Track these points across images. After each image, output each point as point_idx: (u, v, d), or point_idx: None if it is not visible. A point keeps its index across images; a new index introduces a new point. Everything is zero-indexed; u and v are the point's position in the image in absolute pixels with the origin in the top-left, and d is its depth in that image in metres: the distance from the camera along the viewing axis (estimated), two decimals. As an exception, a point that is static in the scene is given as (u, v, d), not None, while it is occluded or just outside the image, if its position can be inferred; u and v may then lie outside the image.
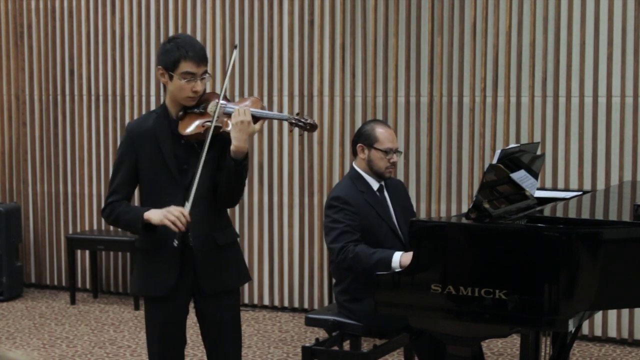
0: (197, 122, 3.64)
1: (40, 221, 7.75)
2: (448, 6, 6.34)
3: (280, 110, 6.76)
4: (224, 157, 3.65)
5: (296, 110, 6.78)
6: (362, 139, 4.53)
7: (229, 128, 3.60)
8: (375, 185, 4.53)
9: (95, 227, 7.56)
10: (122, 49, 7.37)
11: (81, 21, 7.48)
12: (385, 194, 4.58)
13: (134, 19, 7.31)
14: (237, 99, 6.51)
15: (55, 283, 7.74)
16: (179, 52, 3.61)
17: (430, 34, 6.39)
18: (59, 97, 7.61)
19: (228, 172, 3.61)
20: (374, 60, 6.56)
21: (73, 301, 7.21)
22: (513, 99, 6.21)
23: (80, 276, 7.59)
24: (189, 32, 7.10)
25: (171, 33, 7.16)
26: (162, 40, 7.19)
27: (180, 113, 3.68)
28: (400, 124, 6.50)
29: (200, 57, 3.63)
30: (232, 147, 3.57)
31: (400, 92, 6.52)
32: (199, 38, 7.06)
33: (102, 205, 3.79)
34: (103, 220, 7.46)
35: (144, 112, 7.30)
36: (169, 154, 3.65)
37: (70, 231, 7.60)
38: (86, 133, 7.53)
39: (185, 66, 3.61)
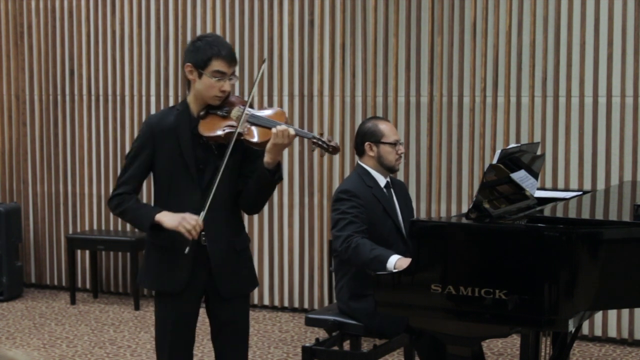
0: (218, 125, 3.62)
1: (40, 221, 7.75)
2: (448, 6, 6.34)
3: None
4: (247, 164, 3.66)
5: (296, 110, 6.78)
6: (368, 136, 4.56)
7: (255, 139, 3.57)
8: (382, 181, 4.57)
9: (95, 227, 7.56)
10: (122, 49, 7.37)
11: (81, 21, 7.48)
12: (392, 190, 4.62)
13: (134, 19, 7.31)
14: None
15: (55, 283, 7.74)
16: (212, 51, 3.60)
17: (430, 34, 6.39)
18: (59, 97, 7.61)
19: (260, 182, 3.61)
20: (374, 60, 6.56)
21: (73, 301, 7.21)
22: (513, 99, 6.21)
23: (80, 276, 7.59)
24: (189, 32, 7.10)
25: (171, 33, 7.17)
26: (162, 40, 7.20)
27: (202, 112, 3.67)
28: (400, 124, 6.50)
29: (231, 57, 3.63)
30: (266, 160, 3.56)
31: (400, 92, 6.52)
32: (199, 38, 7.06)
33: (110, 194, 3.76)
34: (103, 220, 7.49)
35: (144, 112, 7.31)
36: (188, 152, 3.64)
37: (70, 231, 7.60)
38: (86, 133, 7.53)
39: (217, 65, 3.60)
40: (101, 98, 7.47)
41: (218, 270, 3.67)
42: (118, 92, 7.41)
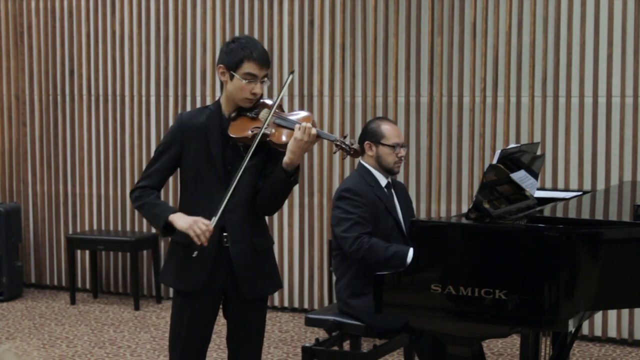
0: (246, 126, 3.63)
1: (40, 221, 7.75)
2: (448, 6, 6.34)
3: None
4: (268, 165, 3.66)
5: (296, 108, 6.78)
6: (369, 136, 4.60)
7: (279, 140, 3.58)
8: (383, 181, 4.61)
9: (95, 227, 7.56)
10: (122, 49, 7.37)
11: (81, 21, 7.48)
12: (393, 190, 4.65)
13: (134, 19, 7.31)
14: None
15: (55, 283, 7.74)
16: (244, 52, 3.60)
17: (430, 34, 6.39)
18: (59, 97, 7.61)
19: (276, 182, 3.60)
20: (374, 60, 6.56)
21: (73, 301, 7.21)
22: (513, 99, 6.21)
23: (80, 276, 7.59)
24: (189, 32, 7.10)
25: (171, 33, 7.17)
26: (162, 40, 7.19)
27: (234, 114, 3.67)
28: (400, 124, 6.49)
29: (263, 60, 3.62)
30: (286, 160, 3.55)
31: (400, 92, 6.52)
32: (198, 38, 7.07)
33: (132, 187, 3.76)
34: (103, 220, 7.49)
35: (143, 112, 7.32)
36: (216, 152, 3.64)
37: (70, 231, 7.60)
38: (86, 133, 7.53)
39: (248, 67, 3.60)
40: (101, 98, 7.47)
41: (241, 271, 3.65)
42: (118, 92, 7.41)
